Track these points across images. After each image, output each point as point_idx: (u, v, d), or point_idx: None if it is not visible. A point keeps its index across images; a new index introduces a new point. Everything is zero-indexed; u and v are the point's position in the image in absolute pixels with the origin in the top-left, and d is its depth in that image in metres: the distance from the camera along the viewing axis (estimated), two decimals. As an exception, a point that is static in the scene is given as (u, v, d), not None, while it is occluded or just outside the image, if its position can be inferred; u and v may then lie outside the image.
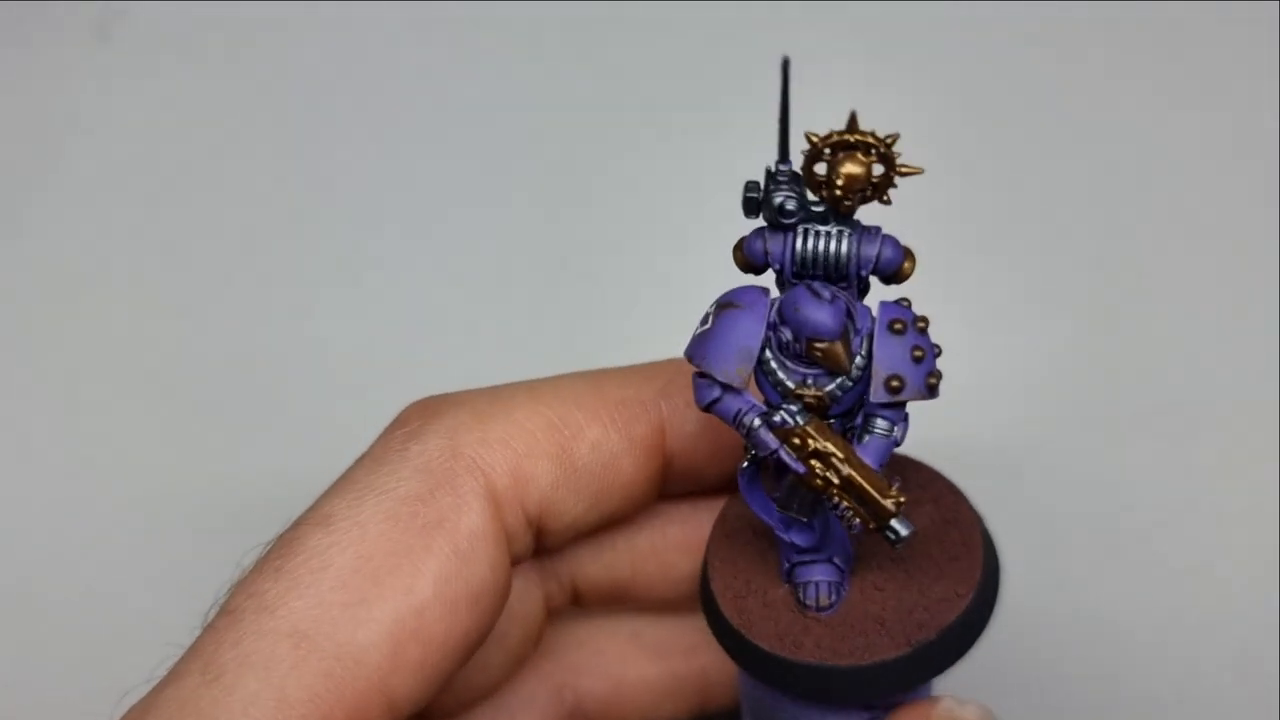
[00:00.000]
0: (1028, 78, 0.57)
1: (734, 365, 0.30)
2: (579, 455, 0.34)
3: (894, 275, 0.30)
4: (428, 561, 0.31)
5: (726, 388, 0.30)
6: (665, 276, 0.53)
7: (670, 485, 0.37)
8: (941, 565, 0.33)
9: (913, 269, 0.30)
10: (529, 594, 0.37)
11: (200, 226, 0.55)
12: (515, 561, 0.34)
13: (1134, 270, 0.55)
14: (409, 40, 0.57)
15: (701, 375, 0.31)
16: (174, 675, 0.29)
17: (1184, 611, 0.49)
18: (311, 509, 0.32)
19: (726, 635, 0.33)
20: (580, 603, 0.38)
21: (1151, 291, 0.54)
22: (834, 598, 0.33)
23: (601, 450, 0.34)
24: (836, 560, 0.33)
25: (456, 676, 0.33)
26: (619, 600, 0.38)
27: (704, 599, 0.34)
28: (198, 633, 0.30)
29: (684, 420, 0.35)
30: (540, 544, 0.35)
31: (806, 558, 0.33)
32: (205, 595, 0.32)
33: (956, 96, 0.57)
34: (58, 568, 0.51)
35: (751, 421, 0.30)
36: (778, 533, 0.33)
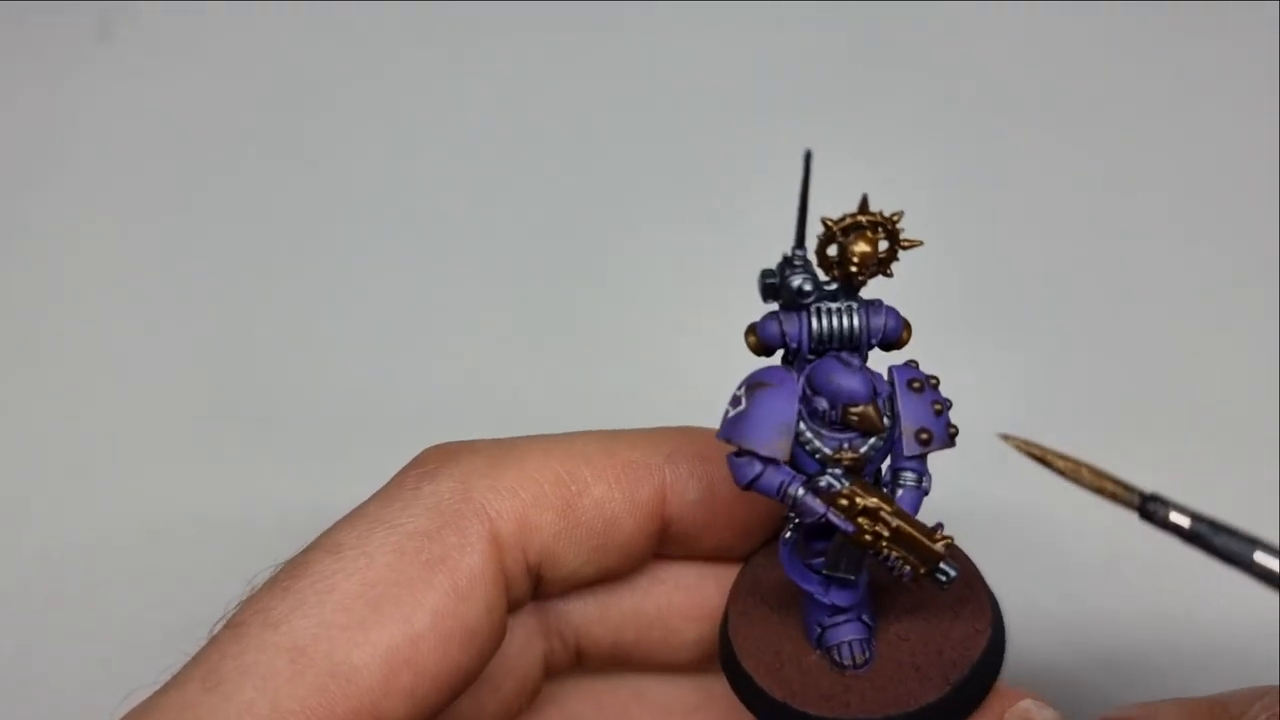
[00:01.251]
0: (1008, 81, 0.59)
1: (776, 439, 0.32)
2: (582, 510, 0.36)
3: (895, 343, 0.34)
4: (428, 595, 0.32)
5: (768, 462, 0.32)
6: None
7: (665, 548, 0.38)
8: (953, 608, 0.35)
9: (910, 336, 0.34)
10: (529, 647, 0.38)
11: (203, 229, 0.55)
12: (513, 606, 0.36)
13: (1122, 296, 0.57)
14: (413, 41, 0.58)
15: (739, 455, 0.32)
16: (176, 681, 0.30)
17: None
18: (323, 536, 0.33)
19: (770, 709, 0.34)
20: (584, 663, 0.39)
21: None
22: (868, 654, 0.34)
23: (604, 508, 0.36)
24: (864, 618, 0.35)
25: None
26: (622, 663, 0.39)
27: (737, 679, 0.35)
28: (204, 643, 0.32)
29: (686, 488, 0.37)
30: (537, 591, 0.37)
31: (839, 619, 0.34)
32: (216, 609, 0.33)
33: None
34: (72, 574, 0.51)
35: (797, 491, 0.32)
36: (817, 597, 0.34)
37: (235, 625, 0.31)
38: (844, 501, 0.31)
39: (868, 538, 0.31)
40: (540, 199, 0.57)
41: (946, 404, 0.33)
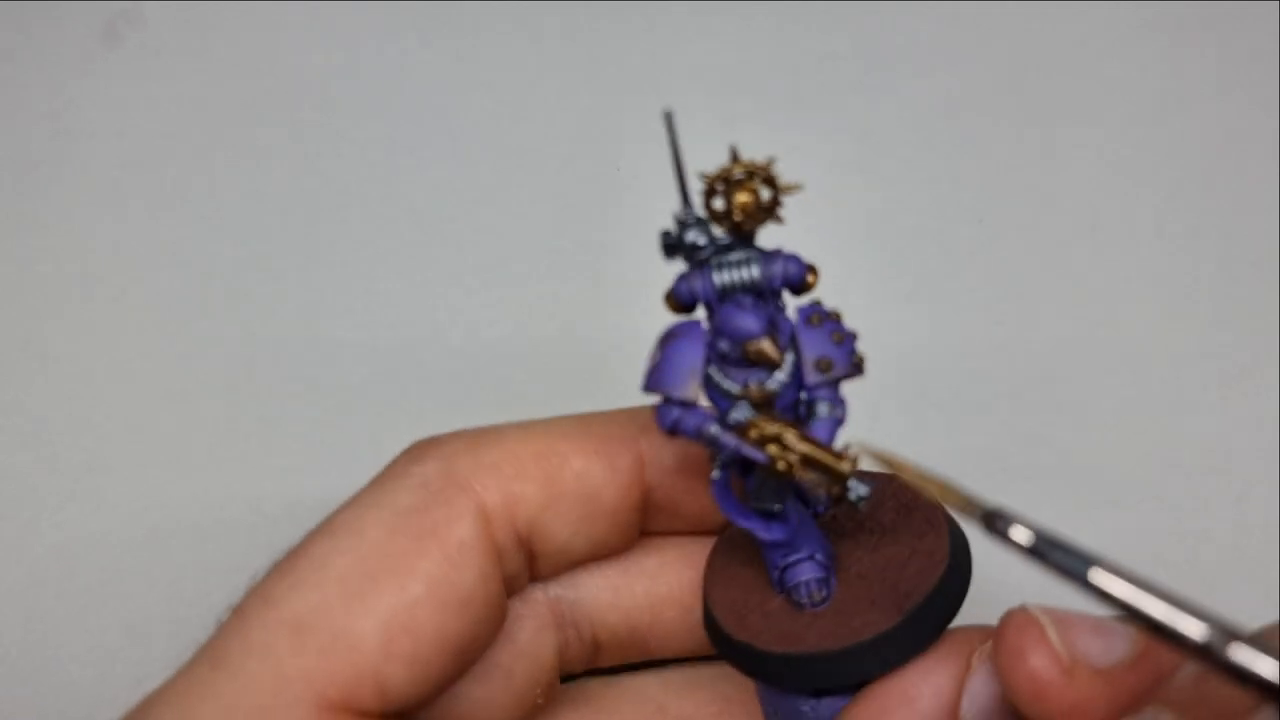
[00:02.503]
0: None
1: (686, 382, 0.34)
2: (565, 481, 0.37)
3: (800, 286, 0.34)
4: (420, 563, 0.34)
5: (683, 405, 0.34)
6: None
7: (654, 518, 0.39)
8: (913, 544, 0.36)
9: (816, 279, 0.34)
10: (541, 637, 0.39)
11: (211, 231, 0.56)
12: (511, 581, 0.37)
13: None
14: (419, 41, 0.57)
15: (661, 404, 0.34)
16: (185, 667, 0.33)
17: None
18: (321, 523, 0.36)
19: (735, 651, 0.36)
20: (602, 655, 0.40)
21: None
22: (825, 592, 0.36)
23: (585, 478, 0.37)
24: (818, 556, 0.36)
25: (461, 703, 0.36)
26: (639, 650, 0.40)
27: (708, 625, 0.37)
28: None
29: (661, 455, 0.37)
30: (535, 570, 0.38)
31: (791, 558, 0.36)
32: (228, 601, 0.36)
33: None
34: (81, 569, 0.53)
35: (711, 429, 0.34)
36: (758, 534, 0.35)
37: (238, 610, 0.34)
38: (752, 432, 0.33)
39: (780, 465, 0.33)
40: (539, 195, 0.56)
41: (848, 334, 0.34)
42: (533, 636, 0.38)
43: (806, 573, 0.36)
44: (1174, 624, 0.26)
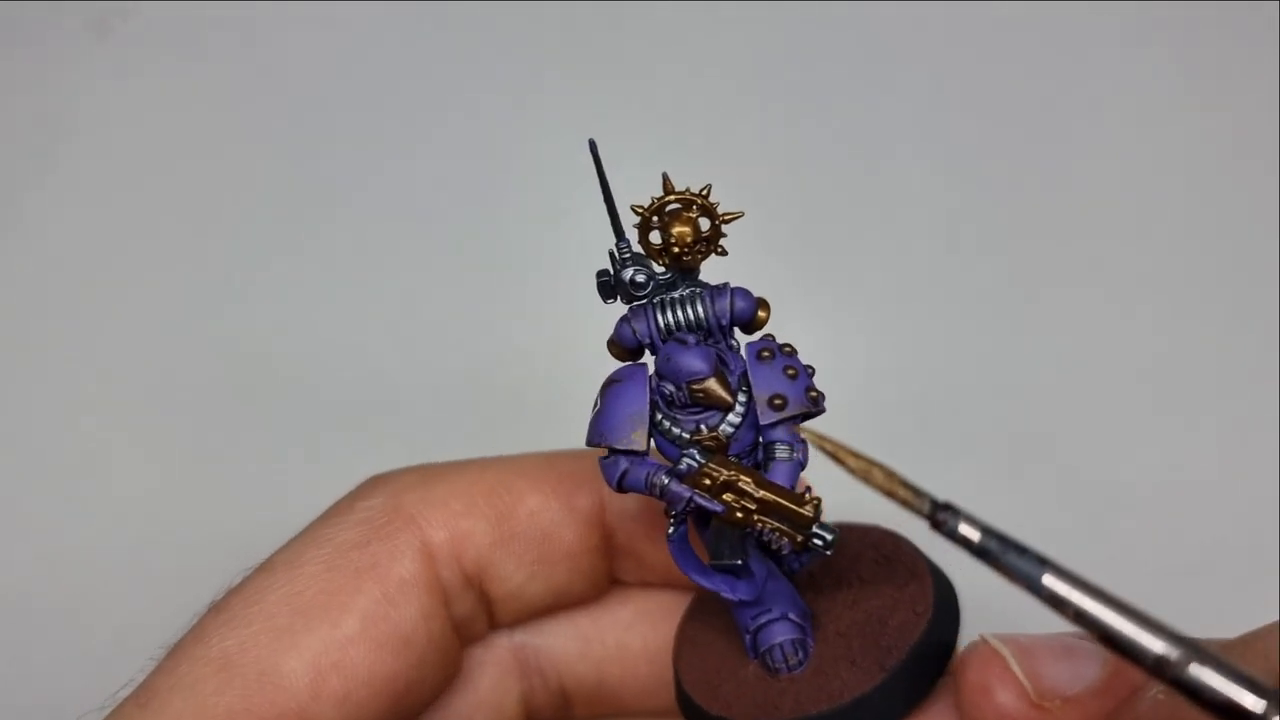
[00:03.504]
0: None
1: (629, 430, 0.31)
2: (517, 520, 0.35)
3: (751, 323, 0.32)
4: (356, 601, 0.33)
5: (629, 455, 0.31)
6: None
7: (622, 565, 0.37)
8: (895, 595, 0.33)
9: (768, 315, 0.32)
10: (503, 685, 0.37)
11: (199, 227, 0.55)
12: (466, 625, 0.35)
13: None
14: (409, 38, 0.56)
15: (606, 457, 0.32)
16: (117, 706, 0.32)
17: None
18: (266, 559, 0.34)
19: None
20: (573, 708, 0.38)
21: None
22: (801, 654, 0.33)
23: (540, 517, 0.35)
24: (792, 616, 0.33)
25: None
26: (612, 707, 0.38)
27: (679, 698, 0.34)
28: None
29: (625, 498, 0.35)
30: (495, 615, 0.36)
31: (763, 619, 0.33)
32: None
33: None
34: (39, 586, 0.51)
35: (661, 479, 0.31)
36: (724, 594, 0.32)
37: (172, 648, 0.33)
38: (705, 481, 0.30)
39: (739, 515, 0.30)
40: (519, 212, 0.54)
41: (802, 369, 0.31)
42: (494, 684, 0.37)
43: (780, 634, 0.33)
44: (1131, 636, 0.24)
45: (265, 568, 0.34)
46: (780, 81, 0.55)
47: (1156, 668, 0.23)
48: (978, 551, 0.25)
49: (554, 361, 0.52)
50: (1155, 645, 0.24)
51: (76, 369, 0.54)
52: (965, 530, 0.25)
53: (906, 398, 0.52)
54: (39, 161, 0.55)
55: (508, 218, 0.54)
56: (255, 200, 0.55)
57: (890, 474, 0.26)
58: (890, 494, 0.26)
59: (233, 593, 0.33)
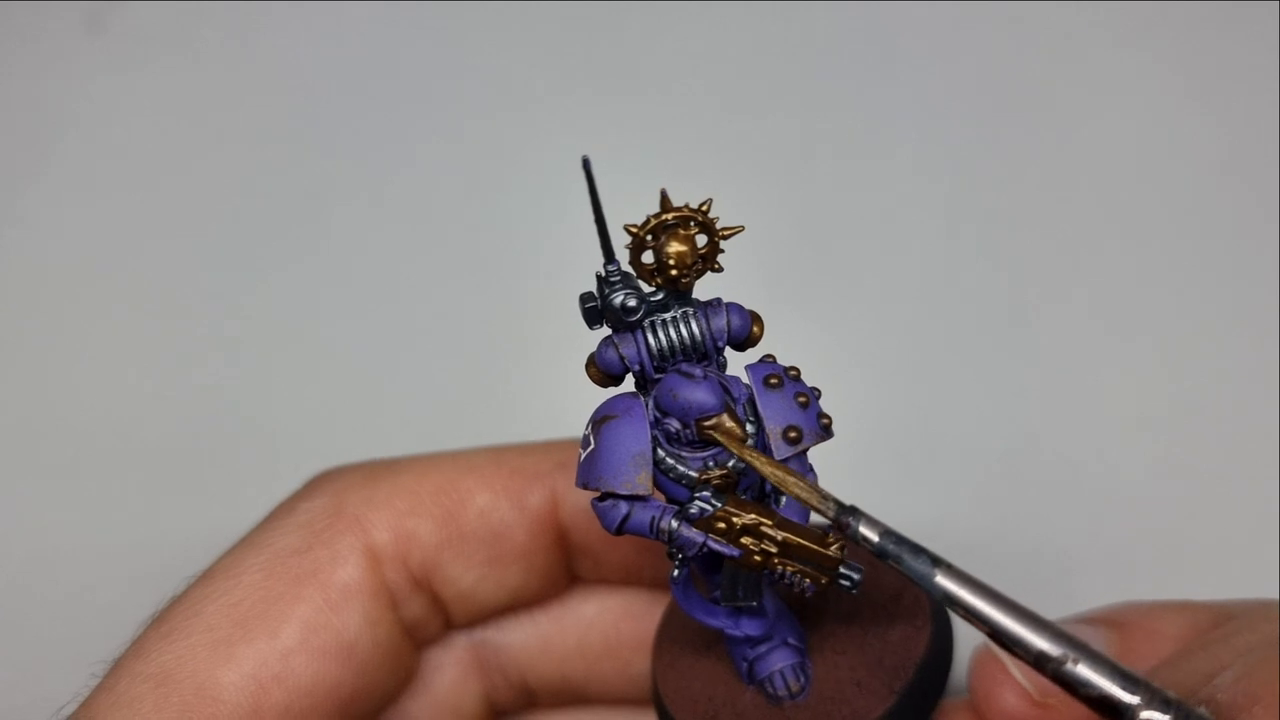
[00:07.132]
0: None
1: (634, 473, 0.29)
2: (466, 519, 0.34)
3: (745, 341, 0.30)
4: (296, 609, 0.32)
5: (633, 499, 0.29)
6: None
7: (580, 563, 0.36)
8: (889, 609, 0.31)
9: (762, 331, 0.30)
10: (463, 685, 0.36)
11: (184, 226, 0.55)
12: (419, 628, 0.35)
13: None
14: (401, 33, 0.56)
15: (602, 499, 0.29)
16: None
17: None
18: (207, 567, 0.34)
19: None
20: (538, 701, 0.38)
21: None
22: (803, 680, 0.31)
23: (490, 516, 0.34)
24: (791, 641, 0.31)
25: None
26: (577, 699, 0.37)
27: None
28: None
29: (579, 494, 0.34)
30: (451, 616, 0.35)
31: (761, 649, 0.31)
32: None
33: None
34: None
35: (670, 524, 0.29)
36: (728, 631, 0.31)
37: (113, 665, 0.32)
38: (721, 525, 0.28)
39: (757, 558, 0.28)
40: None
41: (812, 394, 0.29)
42: (453, 686, 0.36)
43: (780, 660, 0.31)
44: (1016, 633, 0.25)
45: (206, 576, 0.33)
46: (779, 84, 0.55)
47: (1038, 663, 0.24)
48: (878, 552, 0.26)
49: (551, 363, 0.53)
50: (1038, 642, 0.25)
51: (71, 365, 0.53)
52: (865, 531, 0.26)
53: (901, 409, 0.51)
54: (31, 157, 0.55)
55: (508, 218, 0.54)
56: (250, 196, 0.55)
57: (800, 481, 0.28)
58: (803, 499, 0.28)
59: (174, 602, 0.33)
